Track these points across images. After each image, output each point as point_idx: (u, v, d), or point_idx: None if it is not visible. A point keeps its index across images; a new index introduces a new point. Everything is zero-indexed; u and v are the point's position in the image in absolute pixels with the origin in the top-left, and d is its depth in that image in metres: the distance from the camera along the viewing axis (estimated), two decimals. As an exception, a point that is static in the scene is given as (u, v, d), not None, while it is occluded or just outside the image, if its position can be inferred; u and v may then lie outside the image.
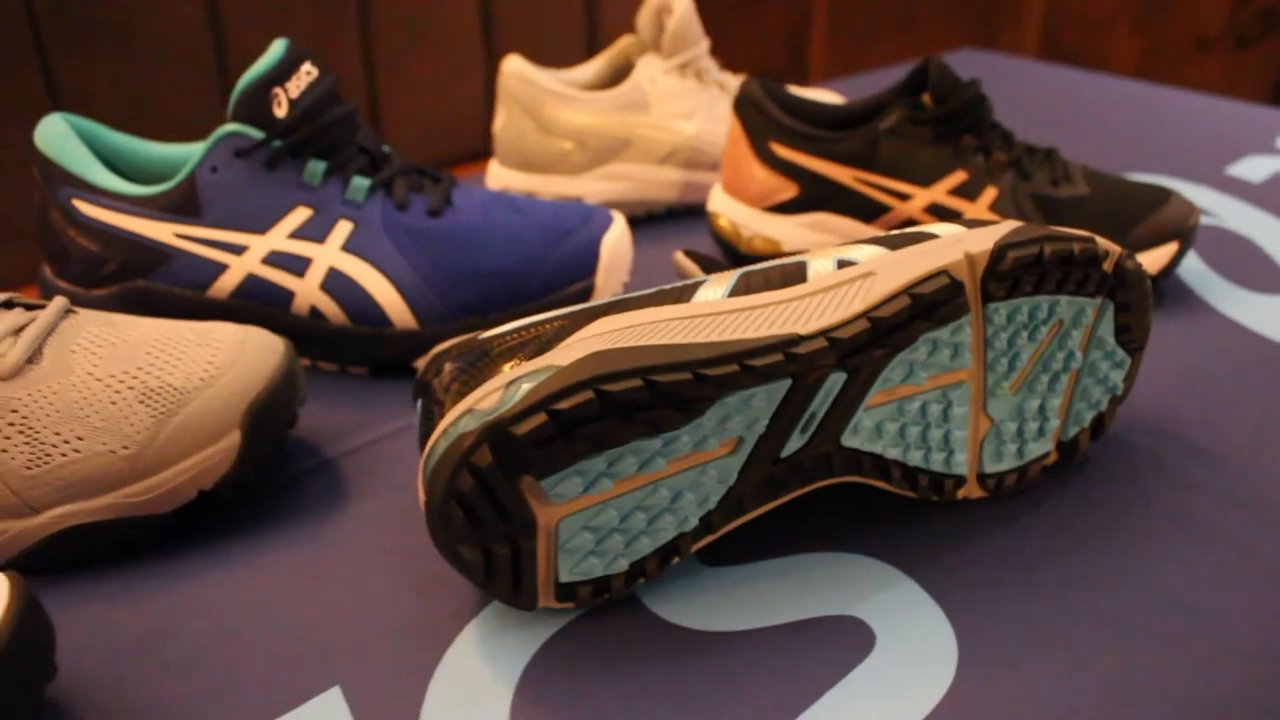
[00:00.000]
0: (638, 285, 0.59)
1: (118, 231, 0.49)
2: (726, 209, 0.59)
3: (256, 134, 0.49)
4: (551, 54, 1.49)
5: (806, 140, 0.55)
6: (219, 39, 1.21)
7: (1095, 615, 0.36)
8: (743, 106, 0.57)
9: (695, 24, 0.65)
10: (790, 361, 0.34)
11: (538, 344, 0.36)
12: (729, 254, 0.59)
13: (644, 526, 0.35)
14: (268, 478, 0.44)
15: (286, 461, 0.45)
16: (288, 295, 0.49)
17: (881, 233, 0.56)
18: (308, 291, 0.49)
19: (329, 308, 0.49)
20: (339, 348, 0.50)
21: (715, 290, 0.37)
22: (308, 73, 0.50)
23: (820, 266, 0.38)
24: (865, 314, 0.35)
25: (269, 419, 0.41)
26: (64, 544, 0.39)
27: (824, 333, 0.35)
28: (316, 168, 0.49)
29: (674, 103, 0.64)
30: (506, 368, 0.36)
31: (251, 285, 0.49)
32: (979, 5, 2.00)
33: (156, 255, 0.49)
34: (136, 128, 1.24)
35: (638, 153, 0.64)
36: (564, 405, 0.32)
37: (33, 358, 0.40)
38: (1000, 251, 0.37)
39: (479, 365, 0.37)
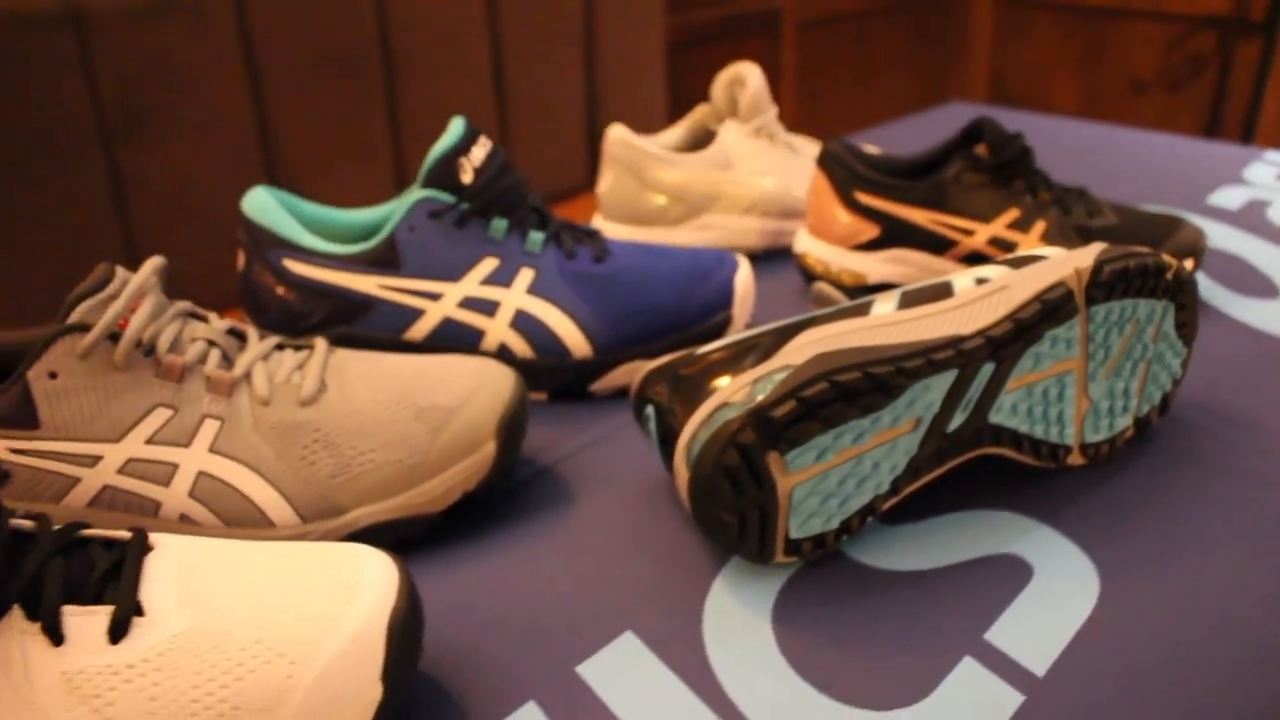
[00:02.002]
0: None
1: (326, 286, 0.58)
2: (814, 249, 0.69)
3: (447, 197, 0.58)
4: (555, 116, 1.60)
5: (886, 189, 0.66)
6: (261, 120, 1.30)
7: (1191, 544, 0.46)
8: (828, 162, 0.68)
9: (766, 94, 0.76)
10: (958, 355, 0.45)
11: (759, 352, 0.46)
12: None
13: (852, 490, 0.45)
14: (504, 482, 0.53)
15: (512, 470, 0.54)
16: (478, 334, 0.58)
17: (954, 264, 0.67)
18: (498, 330, 0.58)
19: (516, 343, 0.58)
20: (525, 377, 0.59)
21: (886, 306, 0.48)
22: (483, 144, 0.59)
23: (963, 284, 0.48)
24: (1009, 316, 0.46)
25: (515, 430, 0.50)
26: (362, 540, 0.47)
27: (981, 332, 0.45)
28: (500, 224, 0.58)
29: (753, 161, 0.75)
30: (729, 374, 0.46)
31: (446, 327, 0.58)
32: (929, 56, 2.17)
33: (361, 305, 0.58)
34: (187, 204, 1.32)
35: (726, 205, 0.75)
36: (808, 393, 0.41)
37: (320, 387, 0.48)
38: (1100, 266, 0.48)
39: (697, 376, 0.47)
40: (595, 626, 0.43)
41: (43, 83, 1.13)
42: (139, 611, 0.35)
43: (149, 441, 0.46)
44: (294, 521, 0.47)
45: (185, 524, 0.47)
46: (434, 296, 0.58)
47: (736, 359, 0.46)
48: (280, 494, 0.46)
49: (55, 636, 0.34)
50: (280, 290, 0.59)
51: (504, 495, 0.52)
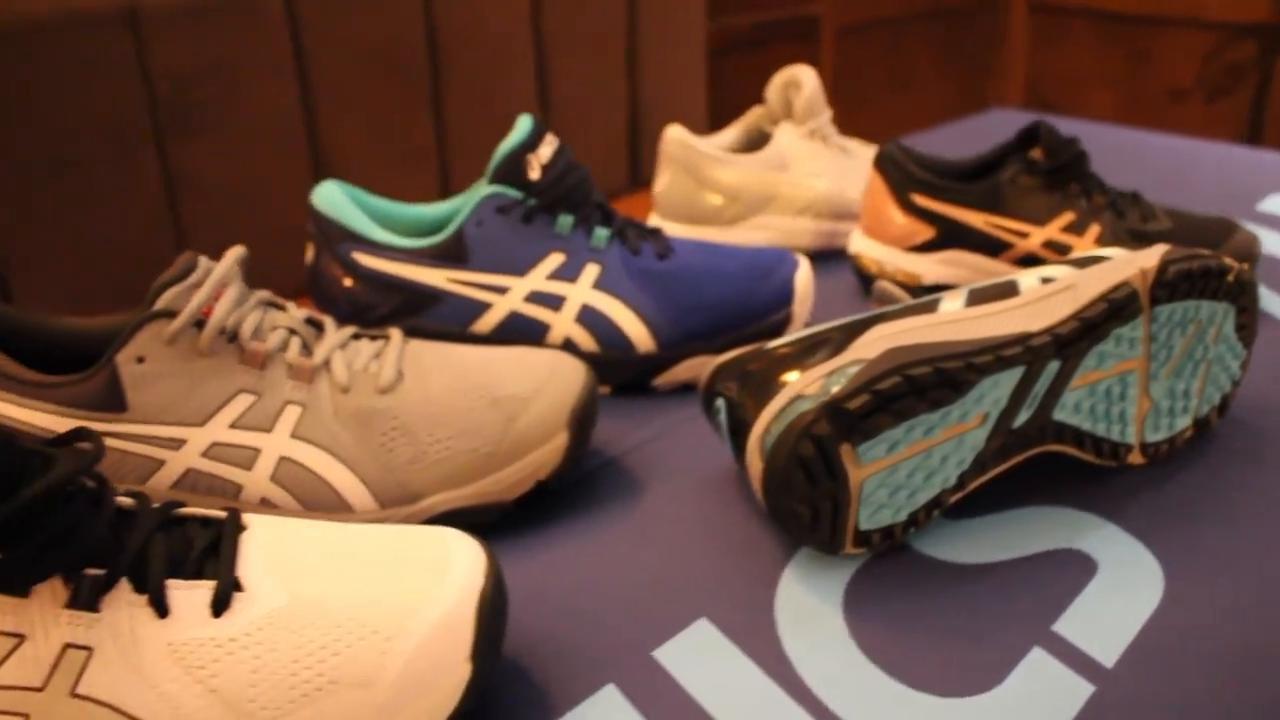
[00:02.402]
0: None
1: (395, 279, 0.59)
2: (869, 250, 0.70)
3: (514, 193, 0.59)
4: (597, 119, 1.61)
5: (942, 191, 0.67)
6: (309, 118, 1.32)
7: (1251, 541, 0.47)
8: (885, 164, 0.69)
9: (821, 97, 0.77)
10: (1026, 352, 0.45)
11: (830, 347, 0.47)
12: (874, 286, 0.70)
13: (920, 483, 0.46)
14: (572, 473, 0.54)
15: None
16: (544, 328, 0.59)
17: (1008, 266, 0.67)
18: (563, 324, 0.59)
19: (582, 337, 0.59)
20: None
21: (954, 303, 0.48)
22: (550, 142, 0.61)
23: (1029, 282, 0.49)
24: (1076, 315, 0.47)
25: (586, 421, 0.51)
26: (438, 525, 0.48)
27: (1048, 330, 0.46)
28: (566, 220, 0.60)
29: (808, 163, 0.76)
30: (798, 369, 0.47)
31: (513, 320, 0.59)
32: (964, 63, 2.17)
33: (429, 297, 0.59)
34: (236, 200, 1.34)
35: (781, 206, 0.76)
36: (882, 386, 0.42)
37: (398, 376, 0.50)
38: (1165, 266, 0.48)
39: (766, 370, 0.48)
40: (669, 613, 0.44)
41: (98, 80, 1.15)
42: (238, 587, 0.37)
43: (233, 426, 0.47)
44: (372, 507, 0.48)
45: (265, 507, 0.48)
46: (501, 290, 0.59)
47: (805, 354, 0.47)
48: (359, 479, 0.48)
49: (161, 609, 0.35)
50: (348, 282, 0.60)
51: (572, 485, 0.53)
